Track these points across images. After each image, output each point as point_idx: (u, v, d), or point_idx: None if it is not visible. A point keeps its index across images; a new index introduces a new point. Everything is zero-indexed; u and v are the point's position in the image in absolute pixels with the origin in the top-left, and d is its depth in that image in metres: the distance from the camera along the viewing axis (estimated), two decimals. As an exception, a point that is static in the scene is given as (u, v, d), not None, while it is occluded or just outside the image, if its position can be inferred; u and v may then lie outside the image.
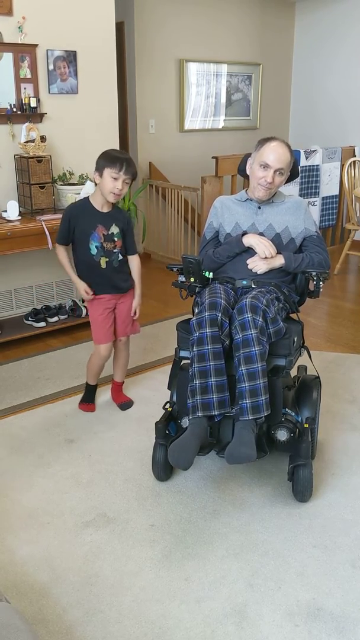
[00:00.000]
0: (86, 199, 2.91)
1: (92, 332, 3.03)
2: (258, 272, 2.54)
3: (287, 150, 2.54)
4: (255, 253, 2.55)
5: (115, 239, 2.88)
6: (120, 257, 2.92)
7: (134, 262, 3.01)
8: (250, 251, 2.57)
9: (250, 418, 2.20)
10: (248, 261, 2.56)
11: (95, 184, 2.85)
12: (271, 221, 2.62)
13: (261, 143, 2.57)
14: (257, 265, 2.54)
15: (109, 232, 2.86)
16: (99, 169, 2.75)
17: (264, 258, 2.52)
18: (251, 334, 2.22)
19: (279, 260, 2.54)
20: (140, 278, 3.03)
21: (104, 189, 2.77)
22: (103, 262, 2.88)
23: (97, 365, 3.07)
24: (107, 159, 2.73)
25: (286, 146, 2.54)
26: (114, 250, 2.88)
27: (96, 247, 2.85)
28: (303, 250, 2.66)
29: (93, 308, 2.99)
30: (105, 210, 2.86)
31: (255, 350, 2.21)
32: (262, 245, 2.52)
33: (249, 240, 2.55)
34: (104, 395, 3.28)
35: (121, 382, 3.22)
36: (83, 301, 3.13)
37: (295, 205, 2.65)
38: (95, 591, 1.97)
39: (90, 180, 3.82)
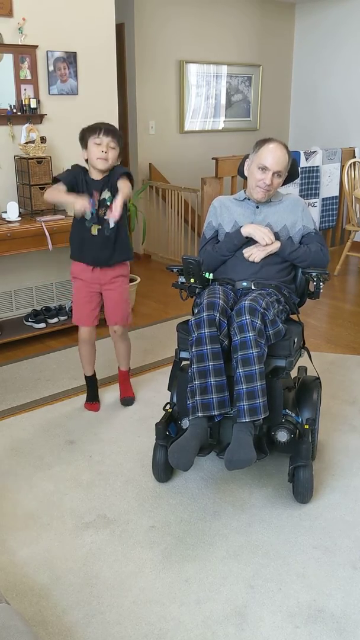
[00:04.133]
0: (84, 168, 2.88)
1: (73, 312, 3.04)
2: (255, 260, 2.55)
3: (285, 152, 2.55)
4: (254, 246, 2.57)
5: (108, 203, 2.84)
6: (112, 224, 2.82)
7: (122, 185, 2.76)
8: (249, 247, 2.58)
9: (247, 420, 2.20)
10: (244, 251, 2.57)
11: (86, 162, 2.84)
12: (269, 220, 2.63)
13: (259, 144, 2.58)
14: (252, 253, 2.55)
15: (102, 198, 2.84)
16: (83, 142, 2.78)
17: (264, 245, 2.53)
18: (249, 336, 2.21)
19: (275, 245, 2.55)
20: (124, 196, 2.69)
21: (91, 159, 2.78)
22: (94, 229, 2.86)
23: (84, 350, 3.08)
24: (86, 130, 2.77)
25: (284, 147, 2.56)
26: (106, 218, 2.82)
27: (91, 212, 2.83)
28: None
29: (78, 287, 2.99)
30: (99, 178, 2.85)
31: (252, 353, 2.21)
32: (260, 232, 2.54)
33: (247, 230, 2.57)
34: (104, 396, 3.28)
35: (126, 370, 3.22)
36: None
37: (293, 204, 2.66)
38: (95, 592, 1.97)
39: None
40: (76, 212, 2.80)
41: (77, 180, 2.84)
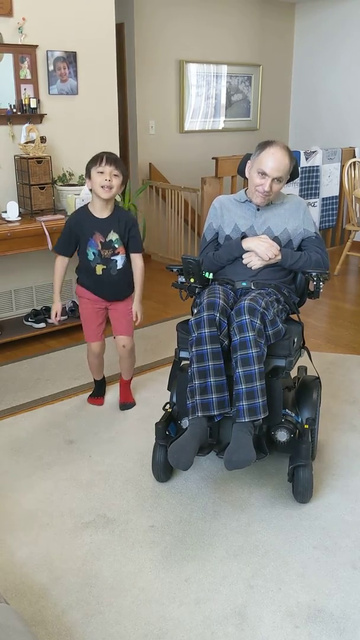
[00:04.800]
0: (85, 207, 2.91)
1: (83, 328, 3.08)
2: (253, 268, 2.54)
3: (287, 157, 2.50)
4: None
5: (116, 245, 2.86)
6: (120, 266, 2.88)
7: (137, 261, 2.95)
8: (249, 252, 2.57)
9: (246, 420, 2.20)
10: (244, 256, 2.56)
11: (90, 191, 2.85)
12: (270, 224, 2.61)
13: (261, 148, 2.53)
14: (252, 261, 2.54)
15: (107, 240, 2.85)
16: (87, 173, 2.78)
17: (266, 260, 2.53)
18: (248, 336, 2.21)
19: (277, 257, 2.54)
20: (143, 280, 2.98)
21: (95, 188, 2.77)
22: (99, 269, 2.88)
23: (93, 362, 3.15)
24: (91, 160, 2.77)
25: (286, 151, 2.51)
26: (112, 258, 2.86)
27: (93, 253, 2.86)
28: (302, 250, 2.65)
29: (83, 306, 3.02)
30: (104, 215, 2.84)
31: (252, 353, 2.21)
32: (262, 248, 2.52)
33: (248, 245, 2.55)
34: (105, 397, 3.27)
35: (128, 380, 3.23)
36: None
37: (295, 206, 2.64)
38: (95, 592, 1.97)
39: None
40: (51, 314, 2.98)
41: (74, 239, 2.88)
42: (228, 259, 2.61)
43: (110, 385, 3.36)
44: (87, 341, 3.08)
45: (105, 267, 2.87)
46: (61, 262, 2.94)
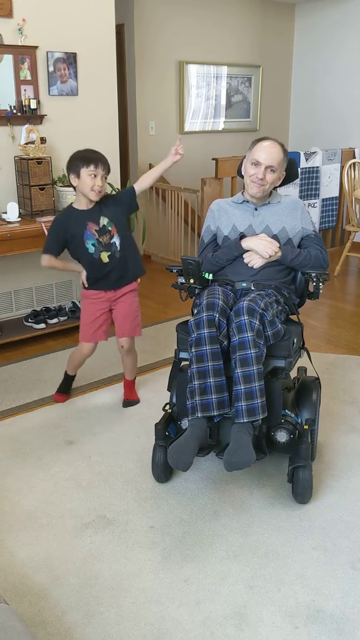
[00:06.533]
0: (70, 207, 2.92)
1: (80, 327, 3.06)
2: (254, 266, 2.55)
3: (280, 149, 2.55)
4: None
5: (109, 228, 2.88)
6: (119, 246, 2.90)
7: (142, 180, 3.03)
8: (249, 252, 2.57)
9: (245, 421, 2.20)
10: (245, 255, 2.57)
11: (74, 187, 2.85)
12: (268, 222, 2.62)
13: (254, 143, 2.59)
14: (253, 259, 2.55)
15: (100, 226, 2.87)
16: (75, 170, 2.77)
17: (267, 258, 2.53)
18: (247, 336, 2.21)
19: (277, 254, 2.54)
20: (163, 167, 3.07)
21: (84, 189, 2.78)
22: (105, 257, 2.88)
23: (78, 360, 3.15)
24: (81, 159, 2.76)
25: (278, 145, 2.55)
26: (112, 241, 2.88)
27: (93, 244, 2.86)
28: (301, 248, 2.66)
29: (86, 307, 3.02)
30: (90, 207, 2.87)
31: (251, 353, 2.21)
32: (262, 246, 2.53)
33: (248, 244, 2.55)
34: (104, 397, 3.28)
35: (131, 380, 3.23)
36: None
37: (292, 206, 2.66)
38: (95, 593, 1.97)
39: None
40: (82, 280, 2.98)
41: (64, 237, 2.88)
42: (228, 259, 2.61)
43: (111, 385, 3.36)
44: (81, 341, 3.06)
45: (109, 253, 2.88)
46: (50, 258, 2.91)
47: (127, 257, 2.94)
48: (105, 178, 2.81)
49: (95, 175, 2.74)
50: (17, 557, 2.13)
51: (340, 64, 6.49)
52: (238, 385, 2.22)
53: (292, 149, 6.36)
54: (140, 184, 3.01)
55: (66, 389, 3.25)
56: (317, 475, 2.54)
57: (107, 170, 2.80)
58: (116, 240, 2.90)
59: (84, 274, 2.96)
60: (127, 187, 3.13)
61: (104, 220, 2.87)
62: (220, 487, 2.51)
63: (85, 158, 2.76)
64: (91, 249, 2.86)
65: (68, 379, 3.25)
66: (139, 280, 3.08)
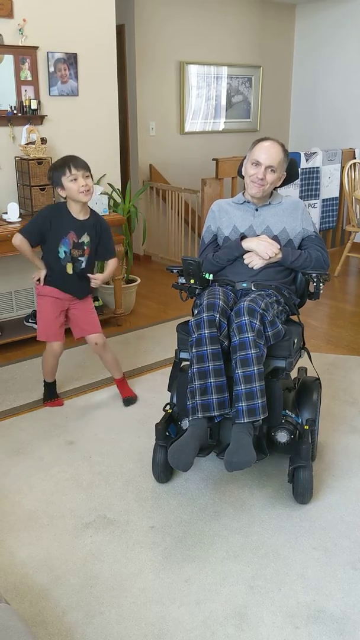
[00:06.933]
0: (64, 204, 2.91)
1: (39, 329, 3.05)
2: (254, 267, 2.55)
3: (280, 149, 2.55)
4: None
5: (85, 247, 2.92)
6: (84, 265, 2.94)
7: (110, 264, 3.05)
8: (250, 252, 2.57)
9: (246, 421, 2.20)
10: (245, 256, 2.57)
11: (65, 199, 2.86)
12: (268, 223, 2.62)
13: (254, 143, 2.60)
14: (253, 260, 2.55)
15: (79, 241, 2.89)
16: (57, 183, 2.79)
17: (267, 259, 2.53)
18: (248, 337, 2.22)
19: (277, 255, 2.54)
20: (110, 275, 3.12)
21: (73, 195, 2.79)
22: (69, 268, 2.92)
23: (51, 363, 3.12)
24: (57, 170, 2.77)
25: (279, 145, 2.56)
26: (80, 258, 2.92)
27: (64, 252, 2.89)
28: (302, 249, 2.66)
29: (44, 305, 3.01)
30: (81, 217, 2.89)
31: (251, 354, 2.21)
32: (262, 247, 2.53)
33: (248, 245, 2.56)
34: (104, 397, 3.28)
35: (121, 378, 3.23)
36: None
37: (293, 206, 2.66)
38: (95, 593, 1.97)
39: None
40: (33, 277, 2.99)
41: (46, 229, 2.87)
42: (228, 260, 2.61)
43: (111, 385, 3.36)
44: (49, 341, 3.04)
45: (74, 266, 2.92)
46: (25, 242, 2.88)
47: (85, 279, 2.98)
48: (88, 176, 2.79)
49: (75, 179, 2.74)
50: (18, 557, 2.13)
51: (341, 64, 6.49)
52: (238, 386, 2.22)
53: (292, 150, 6.36)
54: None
55: (54, 394, 3.21)
56: (318, 476, 2.54)
57: (86, 167, 2.78)
58: (84, 260, 2.94)
59: (43, 272, 2.96)
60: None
61: (85, 238, 2.91)
62: (221, 488, 2.51)
63: (59, 167, 2.76)
64: (61, 254, 2.89)
65: (50, 386, 3.20)
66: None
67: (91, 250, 2.95)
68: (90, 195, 2.81)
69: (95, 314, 3.11)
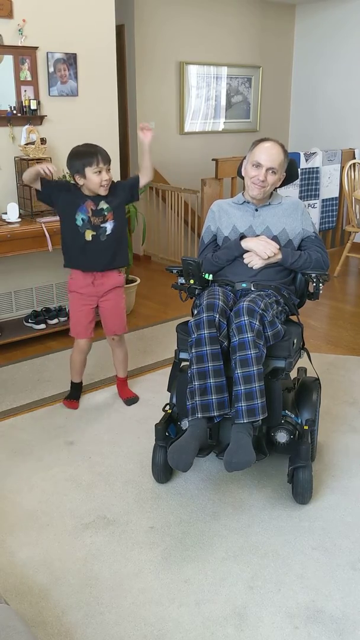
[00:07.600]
0: (80, 190, 2.88)
1: (70, 325, 3.06)
2: (254, 267, 2.55)
3: (280, 150, 2.55)
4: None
5: (105, 213, 2.88)
6: (110, 231, 2.89)
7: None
8: (249, 252, 2.57)
9: (245, 421, 2.20)
10: (245, 256, 2.57)
11: (80, 185, 2.84)
12: (268, 223, 2.62)
13: (255, 144, 2.59)
14: (253, 260, 2.55)
15: (98, 208, 2.87)
16: (79, 171, 2.77)
17: (266, 258, 2.53)
18: (247, 337, 2.22)
19: (277, 256, 2.54)
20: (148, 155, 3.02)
21: (92, 186, 2.79)
22: (88, 235, 2.87)
23: (78, 360, 3.12)
24: (83, 158, 2.75)
25: (279, 146, 2.56)
26: (102, 225, 2.87)
27: (82, 219, 2.86)
28: (302, 250, 2.66)
29: (72, 301, 3.03)
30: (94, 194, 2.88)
31: (251, 354, 2.21)
32: (261, 247, 2.53)
33: (248, 245, 2.56)
34: (105, 397, 3.28)
35: (124, 378, 3.24)
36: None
37: (293, 207, 2.66)
38: (95, 593, 1.97)
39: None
40: (37, 170, 2.80)
41: (62, 189, 2.86)
42: (227, 259, 2.61)
43: (111, 386, 3.36)
44: (77, 337, 3.06)
45: (95, 233, 2.88)
46: (38, 180, 2.85)
47: (114, 245, 2.93)
48: (109, 169, 2.80)
49: (100, 172, 2.75)
50: (18, 558, 2.13)
51: (340, 64, 6.49)
52: (238, 386, 2.22)
53: (292, 150, 6.37)
54: (143, 179, 3.00)
55: (76, 395, 3.22)
56: (317, 476, 2.54)
57: (109, 160, 2.80)
58: (108, 225, 2.89)
59: (49, 165, 2.81)
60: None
61: (103, 205, 2.87)
62: (221, 488, 2.51)
63: (86, 156, 2.75)
64: (79, 222, 2.86)
65: (76, 387, 3.22)
66: (123, 274, 3.08)
67: (115, 215, 2.89)
68: (107, 190, 2.82)
69: (124, 311, 3.06)
